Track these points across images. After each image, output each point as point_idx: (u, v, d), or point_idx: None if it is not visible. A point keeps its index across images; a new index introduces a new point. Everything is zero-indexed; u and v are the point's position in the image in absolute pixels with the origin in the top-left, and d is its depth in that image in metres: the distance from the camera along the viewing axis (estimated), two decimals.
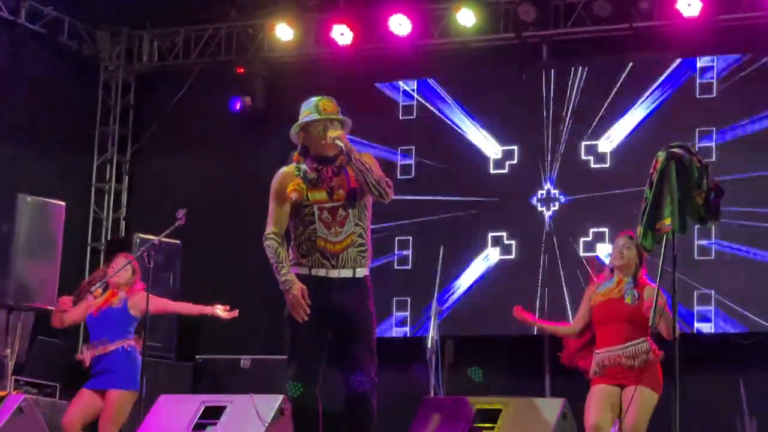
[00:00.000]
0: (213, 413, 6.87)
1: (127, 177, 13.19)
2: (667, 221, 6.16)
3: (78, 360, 8.29)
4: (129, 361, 8.12)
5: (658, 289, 6.50)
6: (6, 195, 10.89)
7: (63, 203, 11.07)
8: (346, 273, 5.95)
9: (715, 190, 6.32)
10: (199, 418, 6.90)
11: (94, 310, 8.24)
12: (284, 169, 6.16)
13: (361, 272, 5.99)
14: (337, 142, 5.95)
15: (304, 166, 6.11)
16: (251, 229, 12.32)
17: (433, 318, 9.54)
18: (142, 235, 11.06)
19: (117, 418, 8.05)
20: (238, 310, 8.39)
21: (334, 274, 5.95)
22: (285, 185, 6.07)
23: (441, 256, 9.88)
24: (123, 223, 13.05)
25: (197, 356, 11.43)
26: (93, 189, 13.07)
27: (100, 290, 8.35)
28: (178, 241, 11.33)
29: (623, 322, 7.07)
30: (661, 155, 6.32)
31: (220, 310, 8.28)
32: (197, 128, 12.61)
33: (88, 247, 12.84)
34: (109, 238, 12.95)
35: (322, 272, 5.96)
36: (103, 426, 8.01)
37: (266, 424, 6.64)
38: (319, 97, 6.16)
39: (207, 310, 8.36)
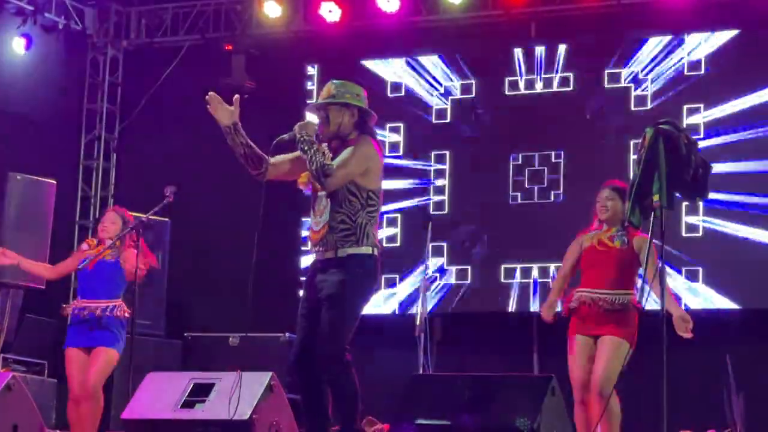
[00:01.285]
0: (202, 390, 6.87)
1: (114, 154, 13.17)
2: (655, 197, 6.18)
3: (63, 314, 8.28)
4: (118, 322, 8.11)
5: (650, 241, 6.52)
6: None
7: (53, 181, 11.07)
8: (329, 254, 6.07)
9: (702, 166, 6.34)
10: (188, 395, 6.89)
11: (90, 264, 8.22)
12: None
13: (343, 252, 6.04)
14: (295, 128, 6.19)
15: None
16: (240, 206, 12.42)
17: (421, 295, 9.54)
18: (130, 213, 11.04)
19: (103, 375, 8.02)
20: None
21: (320, 257, 6.12)
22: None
23: (429, 232, 9.88)
24: (111, 201, 13.02)
25: (186, 334, 11.44)
26: (81, 166, 13.05)
27: (94, 241, 8.38)
28: (166, 219, 11.33)
29: (611, 267, 7.13)
30: (649, 132, 6.33)
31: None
32: (185, 105, 12.58)
33: (76, 225, 12.83)
34: (97, 215, 12.93)
35: (314, 258, 6.17)
36: (90, 382, 7.96)
37: (255, 401, 6.65)
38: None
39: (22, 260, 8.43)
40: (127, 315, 8.15)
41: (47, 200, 10.96)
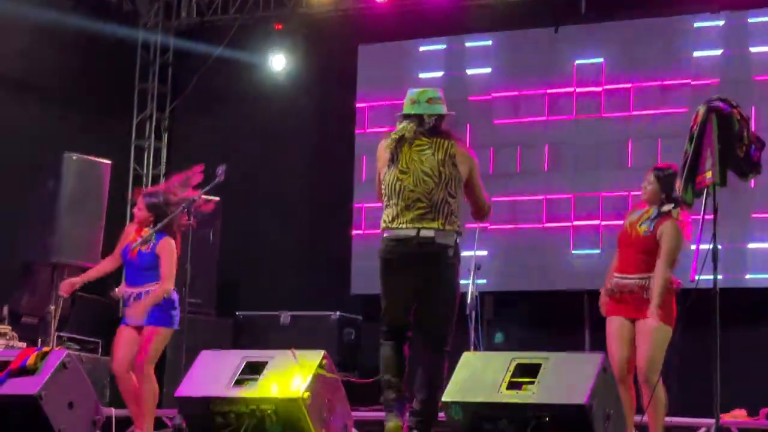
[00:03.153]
0: (254, 368, 6.91)
1: (166, 134, 13.25)
2: (708, 174, 6.14)
3: (111, 296, 8.32)
4: (167, 302, 8.12)
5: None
6: (52, 154, 10.97)
7: (108, 161, 11.14)
8: None
9: (756, 143, 6.29)
10: (241, 374, 6.92)
11: (132, 253, 8.23)
12: None
13: None
14: None
15: None
16: (290, 185, 12.42)
17: (472, 273, 9.54)
18: None
19: (153, 355, 8.07)
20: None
21: None
22: None
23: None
24: (163, 180, 13.11)
25: (237, 312, 11.50)
26: (133, 146, 13.14)
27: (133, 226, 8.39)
28: (217, 198, 11.37)
29: (638, 251, 7.09)
30: (702, 109, 6.30)
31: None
32: (236, 84, 12.64)
33: (129, 204, 12.92)
34: None
35: None
36: (138, 362, 8.04)
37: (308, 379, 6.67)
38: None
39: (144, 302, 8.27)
40: (174, 294, 8.20)
41: (102, 180, 11.03)
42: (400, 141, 6.82)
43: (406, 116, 6.87)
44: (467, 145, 7.28)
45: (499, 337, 5.99)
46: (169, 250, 8.08)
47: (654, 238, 7.06)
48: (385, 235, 6.75)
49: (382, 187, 6.83)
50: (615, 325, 7.13)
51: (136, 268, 8.13)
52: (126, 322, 8.15)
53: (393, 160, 6.82)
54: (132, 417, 8.08)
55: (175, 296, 8.11)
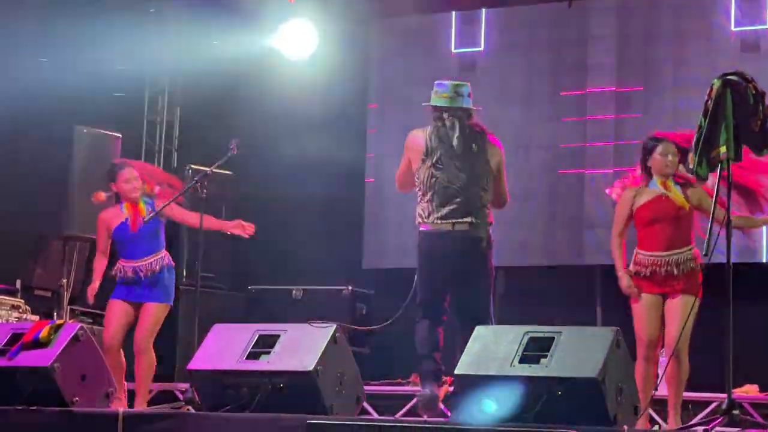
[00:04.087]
0: (267, 341, 6.92)
1: (178, 108, 13.22)
2: (722, 149, 6.11)
3: (114, 273, 8.38)
4: (168, 275, 8.21)
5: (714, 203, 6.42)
6: (63, 126, 10.98)
7: (119, 134, 11.15)
8: None
9: None
10: (253, 347, 6.93)
11: (133, 225, 8.28)
12: None
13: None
14: None
15: None
16: (303, 159, 12.39)
17: None
18: (194, 166, 11.10)
19: (154, 330, 8.19)
20: (254, 227, 8.42)
21: None
22: None
23: None
24: (175, 154, 13.10)
25: (250, 287, 11.51)
26: (145, 120, 13.12)
27: (103, 194, 8.43)
28: (230, 172, 11.37)
29: (669, 222, 7.05)
30: (717, 83, 6.27)
31: (239, 228, 8.34)
32: (249, 58, 12.58)
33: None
34: (161, 168, 13.01)
35: None
36: (140, 338, 8.11)
37: (320, 352, 6.68)
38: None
39: (228, 225, 8.40)
40: (169, 264, 8.26)
41: (113, 154, 11.04)
42: (443, 135, 7.01)
43: (447, 109, 7.01)
44: (496, 138, 7.44)
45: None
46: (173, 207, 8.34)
47: (689, 207, 7.05)
48: (421, 229, 7.19)
49: (416, 180, 7.13)
50: (646, 302, 7.08)
51: (135, 241, 8.21)
52: (117, 297, 8.23)
53: (428, 153, 7.07)
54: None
55: (172, 264, 8.27)
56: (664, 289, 7.09)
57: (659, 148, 7.20)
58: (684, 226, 7.08)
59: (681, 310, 6.91)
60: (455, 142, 7.08)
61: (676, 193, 7.11)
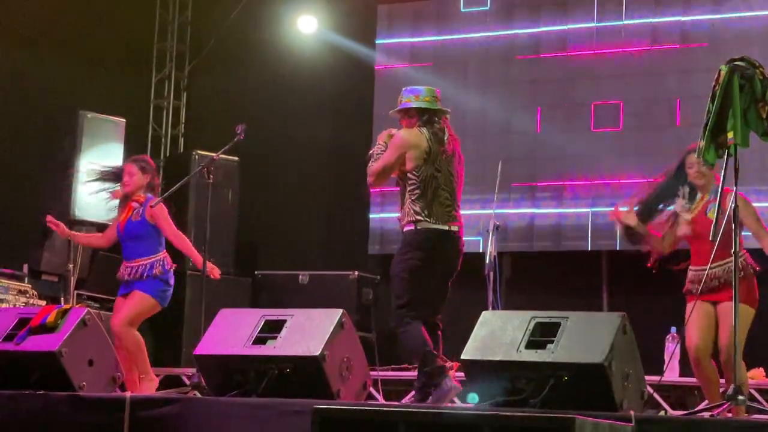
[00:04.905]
0: (273, 327, 6.92)
1: (185, 93, 13.23)
2: (730, 135, 6.09)
3: (119, 278, 8.38)
4: (160, 275, 8.16)
5: (718, 206, 6.43)
6: (67, 112, 10.99)
7: (123, 120, 11.16)
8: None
9: None
10: (260, 332, 6.93)
11: (120, 225, 8.29)
12: None
13: (405, 228, 7.24)
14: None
15: None
16: (309, 145, 12.40)
17: (491, 234, 9.53)
18: (200, 152, 11.12)
19: (136, 317, 8.14)
20: (219, 273, 8.37)
21: None
22: None
23: (500, 170, 9.84)
24: (182, 140, 13.12)
25: (256, 272, 11.52)
26: (151, 106, 13.14)
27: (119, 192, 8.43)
28: (236, 158, 11.38)
29: (709, 238, 6.91)
30: (724, 68, 6.23)
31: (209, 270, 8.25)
32: (255, 43, 12.59)
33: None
34: (167, 154, 13.03)
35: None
36: (118, 320, 8.07)
37: (326, 337, 6.68)
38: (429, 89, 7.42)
39: (199, 261, 8.27)
40: (168, 268, 8.21)
41: (118, 139, 11.06)
42: (440, 138, 7.28)
43: (435, 112, 7.31)
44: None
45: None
46: (163, 213, 8.23)
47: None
48: (419, 227, 7.19)
49: (414, 179, 7.19)
50: (698, 309, 6.97)
51: (127, 241, 8.22)
52: (121, 293, 8.24)
53: (430, 154, 7.23)
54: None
55: (168, 269, 8.20)
56: (715, 297, 6.97)
57: (687, 159, 7.15)
58: (724, 238, 6.80)
59: (731, 317, 6.68)
60: (447, 145, 7.21)
61: (709, 213, 7.00)
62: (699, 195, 7.18)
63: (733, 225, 6.18)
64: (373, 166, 7.28)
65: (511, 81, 11.39)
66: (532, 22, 11.35)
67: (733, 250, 6.18)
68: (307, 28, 12.29)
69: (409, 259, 7.15)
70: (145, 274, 8.13)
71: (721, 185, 6.44)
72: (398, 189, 7.38)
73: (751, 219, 6.97)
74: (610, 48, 11.02)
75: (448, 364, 7.14)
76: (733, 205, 6.19)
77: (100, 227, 10.54)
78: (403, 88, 7.46)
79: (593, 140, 10.99)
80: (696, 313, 6.95)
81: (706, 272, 6.91)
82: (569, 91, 11.16)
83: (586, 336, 5.99)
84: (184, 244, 8.29)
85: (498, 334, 6.22)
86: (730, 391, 6.03)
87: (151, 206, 8.17)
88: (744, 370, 6.92)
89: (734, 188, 6.22)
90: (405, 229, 7.23)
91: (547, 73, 11.24)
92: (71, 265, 10.75)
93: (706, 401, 7.13)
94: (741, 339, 6.73)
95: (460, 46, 11.58)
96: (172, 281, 8.24)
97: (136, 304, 8.11)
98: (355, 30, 12.05)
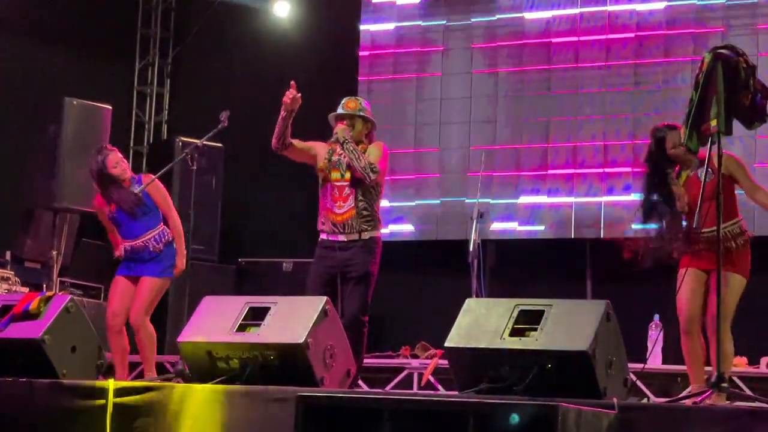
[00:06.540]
0: (257, 314, 6.90)
1: (169, 80, 13.20)
2: (713, 122, 6.10)
3: (117, 257, 8.38)
4: (167, 250, 8.20)
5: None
6: (52, 98, 10.95)
7: (109, 106, 11.12)
8: (354, 236, 7.62)
9: (762, 91, 6.24)
10: (243, 319, 6.92)
11: (113, 207, 8.28)
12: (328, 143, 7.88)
13: (367, 235, 7.63)
14: (338, 134, 7.73)
15: (332, 149, 7.81)
16: (294, 132, 12.37)
17: (475, 221, 9.53)
18: (184, 138, 11.09)
19: (150, 306, 8.20)
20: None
21: (343, 237, 7.65)
22: (321, 156, 7.82)
23: (483, 159, 9.86)
24: (165, 127, 13.09)
25: (240, 259, 11.51)
26: (135, 92, 13.11)
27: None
28: (220, 145, 11.36)
29: (709, 201, 6.84)
30: (708, 56, 6.24)
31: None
32: (239, 30, 12.56)
33: (131, 150, 12.90)
34: (151, 141, 13.00)
35: (332, 237, 7.69)
36: (135, 313, 8.13)
37: (310, 325, 6.67)
38: (347, 98, 7.98)
39: (180, 255, 8.31)
40: (169, 238, 8.24)
41: (103, 126, 11.02)
42: None
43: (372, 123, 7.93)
44: None
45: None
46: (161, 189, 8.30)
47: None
48: (380, 236, 7.79)
49: (380, 186, 7.81)
50: (690, 276, 6.93)
51: (127, 221, 8.22)
52: (120, 273, 8.23)
53: None
54: (114, 365, 8.16)
55: (169, 239, 8.24)
56: (709, 265, 6.90)
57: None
58: (725, 200, 6.69)
59: (724, 285, 6.54)
60: None
61: (699, 177, 6.95)
62: (685, 169, 7.10)
63: (718, 194, 6.15)
64: (380, 165, 7.67)
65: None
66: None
67: (717, 223, 6.16)
68: (283, 11, 12.24)
69: (377, 265, 7.75)
70: (147, 256, 8.14)
71: (707, 155, 6.42)
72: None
73: (742, 176, 6.92)
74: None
75: (432, 351, 7.20)
76: (717, 190, 6.19)
77: (84, 215, 10.54)
78: (363, 99, 8.04)
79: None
80: (689, 279, 6.91)
81: (707, 234, 6.83)
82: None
83: (570, 324, 5.99)
84: (179, 230, 8.31)
85: (482, 321, 6.22)
86: (713, 378, 6.04)
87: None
88: (731, 341, 6.87)
89: (718, 173, 6.23)
90: (377, 236, 7.70)
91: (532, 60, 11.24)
92: (54, 252, 10.72)
93: (689, 389, 7.13)
94: (732, 307, 6.74)
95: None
96: (172, 251, 8.27)
97: (149, 292, 8.17)
98: (338, 14, 12.02)
